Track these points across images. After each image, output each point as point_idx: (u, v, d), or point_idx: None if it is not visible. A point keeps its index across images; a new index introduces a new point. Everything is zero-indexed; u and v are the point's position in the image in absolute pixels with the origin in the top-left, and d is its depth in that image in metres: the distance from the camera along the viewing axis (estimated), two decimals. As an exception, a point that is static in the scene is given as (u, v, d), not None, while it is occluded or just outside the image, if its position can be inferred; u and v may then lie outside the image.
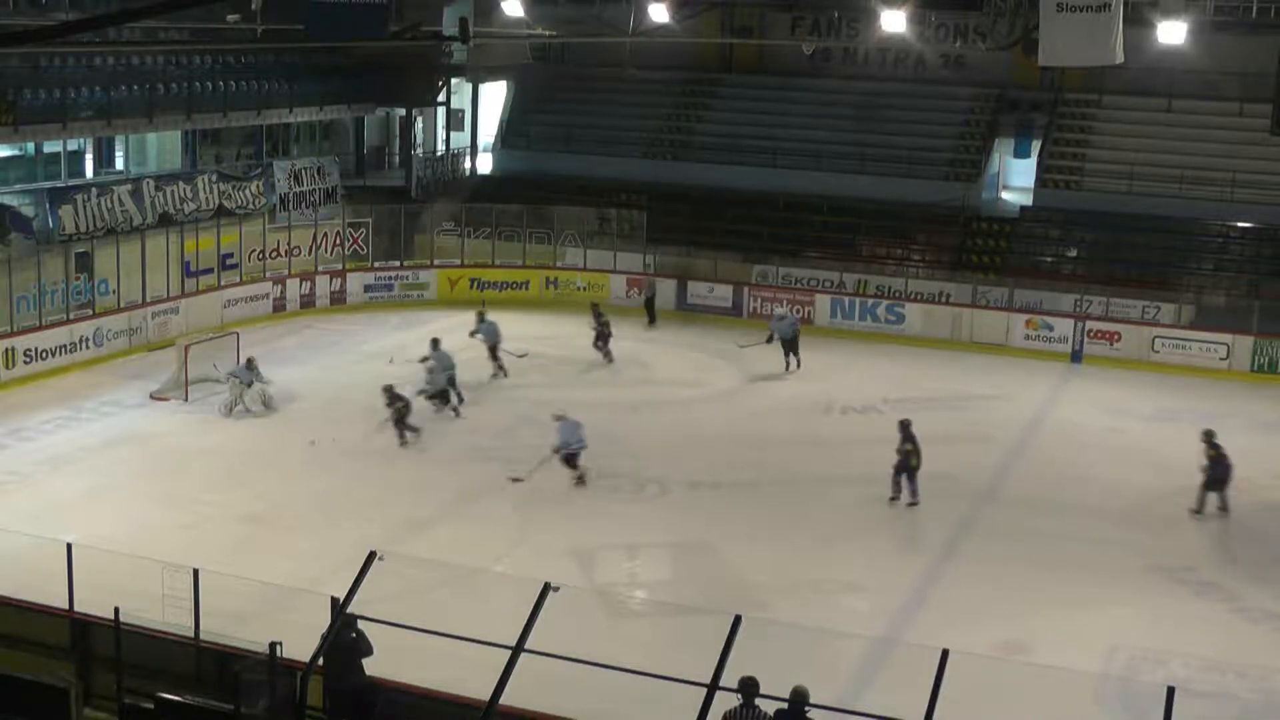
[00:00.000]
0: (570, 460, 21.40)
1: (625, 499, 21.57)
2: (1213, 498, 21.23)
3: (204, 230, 32.05)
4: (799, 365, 28.65)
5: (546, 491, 21.55)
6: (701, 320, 33.27)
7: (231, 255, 32.48)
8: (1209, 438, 21.53)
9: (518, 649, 11.42)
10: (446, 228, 36.29)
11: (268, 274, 33.05)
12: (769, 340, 28.66)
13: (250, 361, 24.93)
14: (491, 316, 28.74)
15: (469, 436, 24.10)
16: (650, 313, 33.32)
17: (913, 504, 20.99)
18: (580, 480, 21.39)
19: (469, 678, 12.15)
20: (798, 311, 31.56)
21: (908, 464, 20.98)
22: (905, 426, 21.15)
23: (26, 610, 13.94)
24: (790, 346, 28.76)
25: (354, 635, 12.46)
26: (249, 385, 24.65)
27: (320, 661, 12.30)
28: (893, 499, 21.10)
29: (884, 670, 15.47)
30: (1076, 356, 30.76)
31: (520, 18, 33.13)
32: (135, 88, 31.14)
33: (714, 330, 32.41)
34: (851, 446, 24.23)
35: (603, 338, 29.27)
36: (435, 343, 25.99)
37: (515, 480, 21.35)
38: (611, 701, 12.91)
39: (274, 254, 33.58)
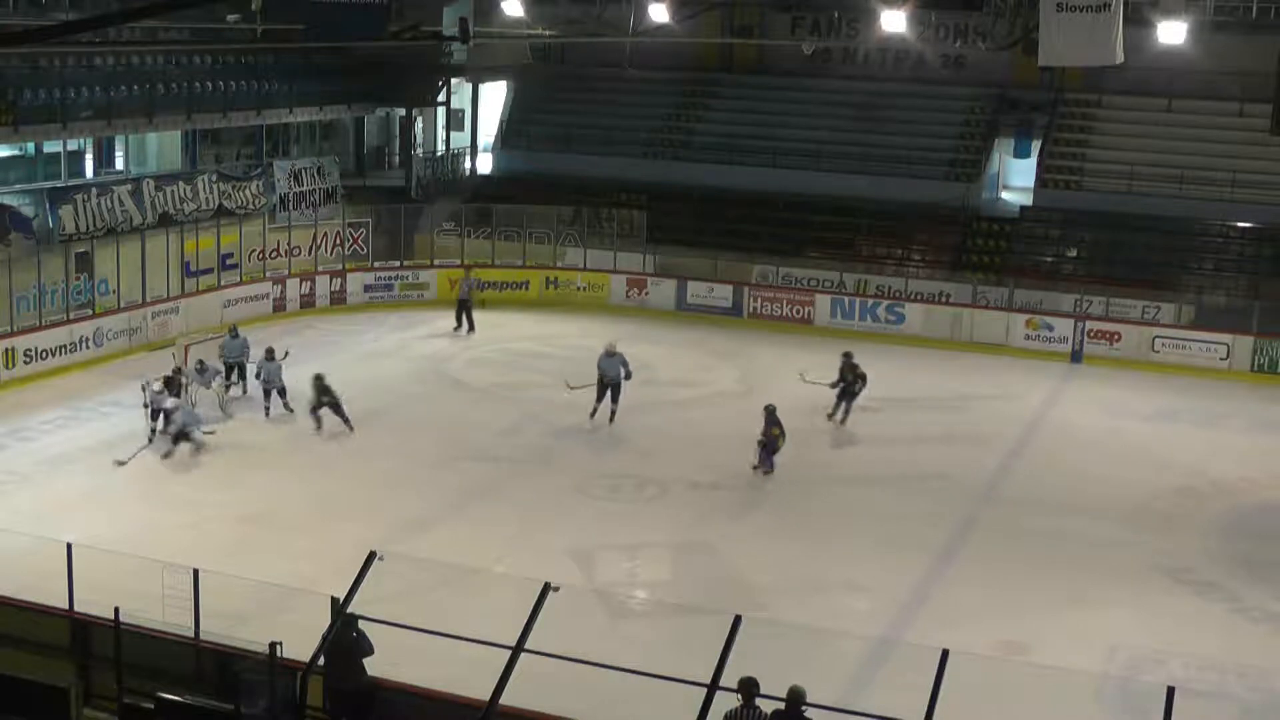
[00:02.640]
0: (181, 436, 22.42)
1: (625, 499, 21.58)
2: (844, 406, 25.04)
3: (204, 230, 32.05)
4: (613, 417, 24.43)
5: (547, 491, 21.58)
6: (701, 320, 33.29)
7: (231, 255, 32.46)
8: (849, 358, 25.25)
9: (518, 649, 11.42)
10: (446, 228, 36.30)
11: (268, 274, 33.04)
12: (600, 381, 24.65)
13: (201, 364, 24.74)
14: (492, 316, 28.83)
15: (470, 436, 24.10)
16: (464, 318, 31.12)
17: (769, 472, 22.08)
18: (197, 449, 22.48)
19: (469, 678, 12.16)
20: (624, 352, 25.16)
21: (775, 445, 22.01)
22: (771, 412, 22.01)
23: (26, 610, 13.93)
24: (612, 391, 24.38)
25: (355, 635, 12.45)
26: (205, 387, 24.69)
27: (320, 661, 12.30)
28: (756, 468, 22.13)
29: (884, 670, 15.46)
30: (1076, 356, 30.76)
31: (520, 18, 33.13)
32: (135, 88, 31.14)
33: (715, 330, 32.47)
34: (851, 446, 24.25)
35: (334, 407, 23.62)
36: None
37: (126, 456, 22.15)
38: (611, 701, 12.91)
39: (274, 254, 33.57)
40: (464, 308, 31.33)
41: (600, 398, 24.49)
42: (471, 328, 31.23)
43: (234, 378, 25.59)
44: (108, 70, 30.83)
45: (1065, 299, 31.86)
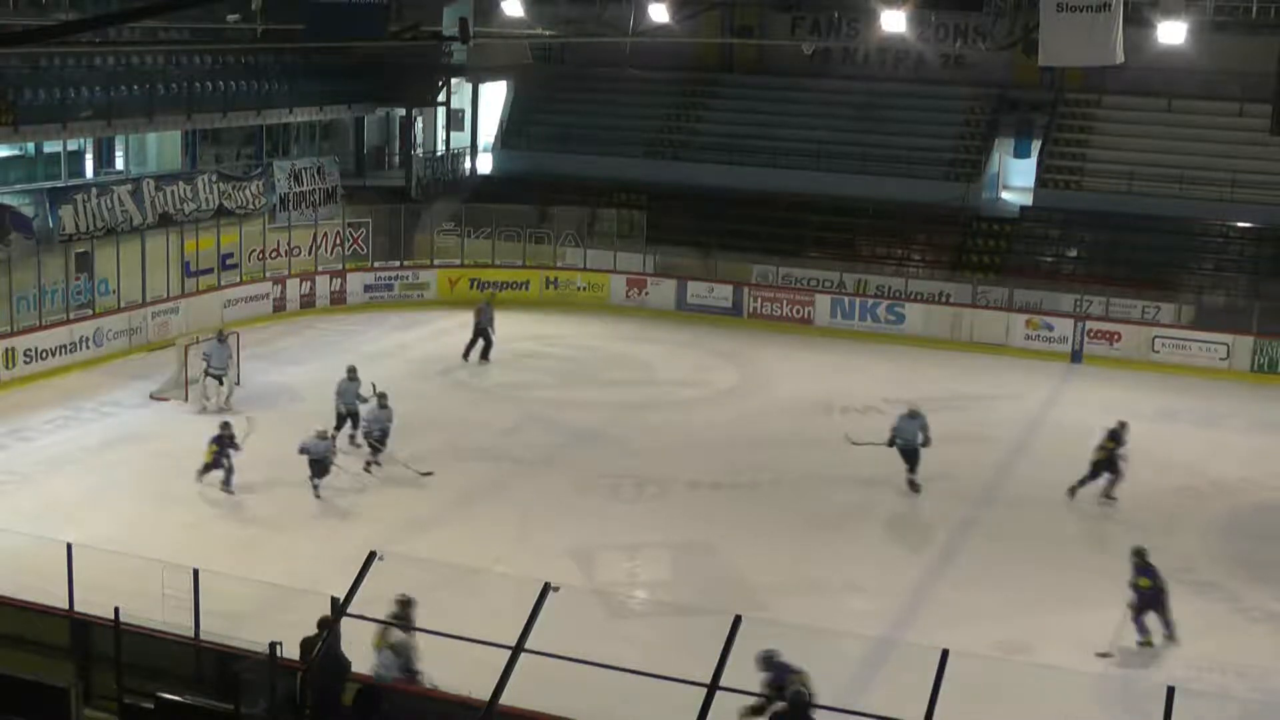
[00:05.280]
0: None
1: (625, 499, 21.57)
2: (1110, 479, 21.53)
3: (204, 230, 32.04)
4: (913, 486, 21.75)
5: (547, 491, 21.57)
6: (701, 320, 33.29)
7: (231, 255, 32.46)
8: (1123, 428, 21.62)
9: (518, 649, 11.41)
10: (446, 228, 36.32)
11: (268, 274, 33.04)
12: (890, 444, 21.94)
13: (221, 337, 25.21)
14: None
15: (470, 436, 24.10)
16: (481, 340, 28.75)
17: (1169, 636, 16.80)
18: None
19: (469, 678, 12.15)
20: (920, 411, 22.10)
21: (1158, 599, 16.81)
22: (1143, 555, 16.99)
23: (26, 610, 13.92)
24: (907, 457, 21.77)
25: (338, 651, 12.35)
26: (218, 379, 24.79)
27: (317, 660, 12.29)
28: (1142, 644, 16.73)
29: (884, 670, 15.47)
30: (1076, 356, 30.77)
31: (520, 18, 33.11)
32: (135, 88, 31.12)
33: (715, 330, 32.47)
34: (852, 446, 24.20)
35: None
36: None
37: None
38: (611, 701, 12.90)
39: (274, 254, 33.57)
40: (482, 336, 28.84)
41: (912, 469, 21.73)
42: (485, 357, 28.82)
43: (223, 387, 24.83)
44: (108, 70, 30.80)
45: (1065, 299, 31.87)
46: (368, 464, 21.78)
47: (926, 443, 21.56)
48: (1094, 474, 21.45)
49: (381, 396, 22.18)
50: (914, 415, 21.78)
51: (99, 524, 18.78)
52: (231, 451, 20.58)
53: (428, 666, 12.99)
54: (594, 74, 41.57)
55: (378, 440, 21.91)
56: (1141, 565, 16.80)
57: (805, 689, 11.51)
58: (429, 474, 21.71)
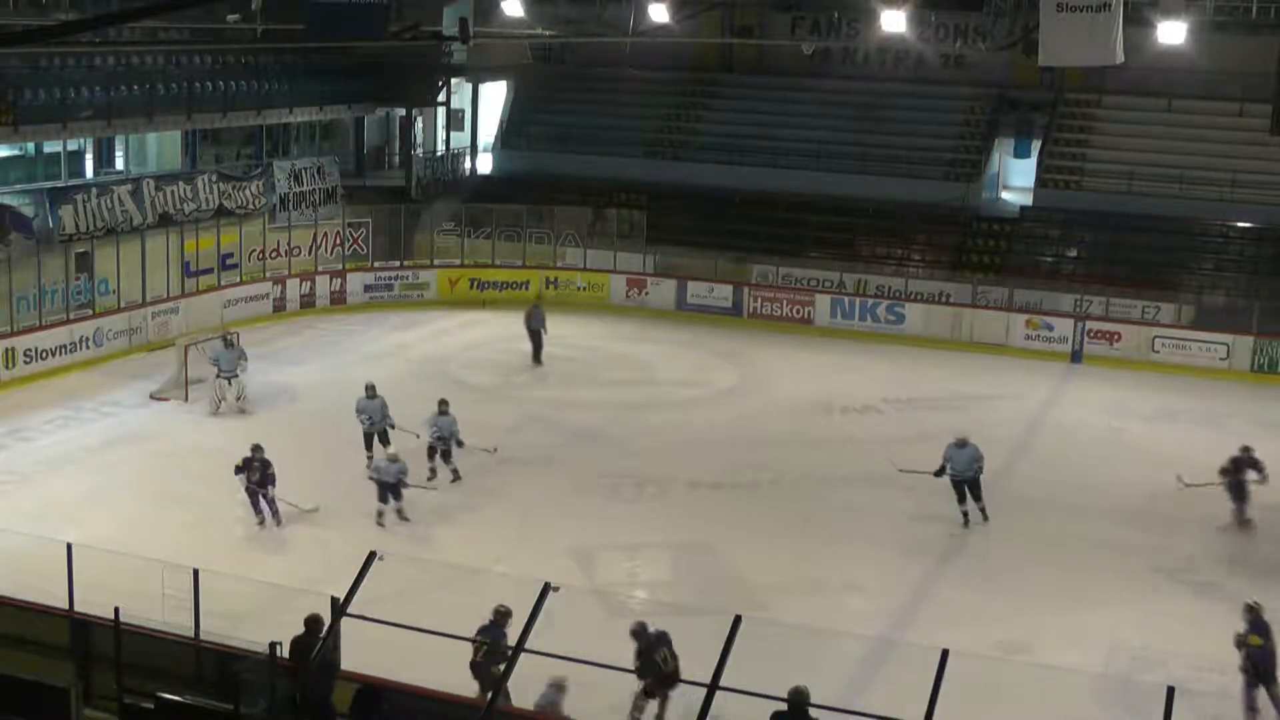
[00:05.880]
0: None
1: (625, 499, 21.57)
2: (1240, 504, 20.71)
3: (204, 230, 32.06)
4: (983, 515, 20.72)
5: (547, 491, 21.57)
6: (701, 320, 33.28)
7: (231, 255, 32.48)
8: (1248, 452, 20.78)
9: (518, 649, 11.41)
10: (446, 228, 36.32)
11: (268, 274, 33.05)
12: (938, 473, 20.75)
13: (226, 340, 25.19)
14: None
15: (472, 436, 24.06)
16: (535, 345, 29.01)
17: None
18: None
19: (469, 678, 12.17)
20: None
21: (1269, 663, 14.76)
22: (1257, 611, 14.99)
23: (26, 610, 13.92)
24: (970, 488, 20.73)
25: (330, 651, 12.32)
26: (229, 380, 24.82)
27: (317, 662, 12.28)
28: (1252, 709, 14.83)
29: (884, 670, 15.46)
30: (1076, 356, 30.77)
31: (520, 18, 33.10)
32: (135, 88, 31.12)
33: (715, 330, 32.46)
34: (851, 446, 24.23)
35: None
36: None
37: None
38: (611, 701, 12.91)
39: (274, 254, 33.58)
40: (535, 339, 28.98)
41: (963, 499, 20.73)
42: (537, 356, 29.02)
43: (235, 394, 24.80)
44: (108, 70, 30.80)
45: (1065, 299, 31.87)
46: (431, 472, 21.37)
47: (980, 472, 20.72)
48: (1237, 497, 20.67)
49: (442, 403, 21.89)
50: (963, 445, 20.75)
51: (99, 524, 18.79)
52: (261, 478, 19.58)
53: (426, 667, 12.98)
54: (594, 74, 41.57)
55: (445, 444, 21.55)
56: (1256, 622, 14.84)
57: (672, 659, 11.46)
58: (494, 450, 22.25)
